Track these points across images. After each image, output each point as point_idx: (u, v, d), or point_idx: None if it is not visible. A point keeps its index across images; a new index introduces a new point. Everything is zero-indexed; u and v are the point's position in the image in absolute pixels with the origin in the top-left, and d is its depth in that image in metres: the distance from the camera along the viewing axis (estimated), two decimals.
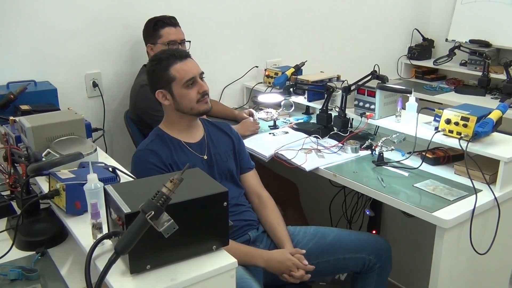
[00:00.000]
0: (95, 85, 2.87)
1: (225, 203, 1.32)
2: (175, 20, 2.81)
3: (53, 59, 2.72)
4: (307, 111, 3.17)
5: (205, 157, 2.12)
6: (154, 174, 1.95)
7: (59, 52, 2.73)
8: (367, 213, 2.81)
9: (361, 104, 2.64)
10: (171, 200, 1.16)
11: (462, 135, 2.16)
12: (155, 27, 2.76)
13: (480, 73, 3.90)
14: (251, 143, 2.63)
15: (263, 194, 2.24)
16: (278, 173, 2.98)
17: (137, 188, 1.41)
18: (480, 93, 3.81)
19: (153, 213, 1.13)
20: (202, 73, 2.09)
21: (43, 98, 2.44)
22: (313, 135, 2.63)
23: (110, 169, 1.79)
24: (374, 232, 2.88)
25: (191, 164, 2.03)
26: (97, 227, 1.38)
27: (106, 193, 1.33)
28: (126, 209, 1.20)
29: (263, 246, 2.13)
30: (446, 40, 4.35)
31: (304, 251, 2.04)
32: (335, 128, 2.68)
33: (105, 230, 1.40)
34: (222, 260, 1.33)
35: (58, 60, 2.73)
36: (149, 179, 1.50)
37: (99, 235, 1.36)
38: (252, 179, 2.27)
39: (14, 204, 1.92)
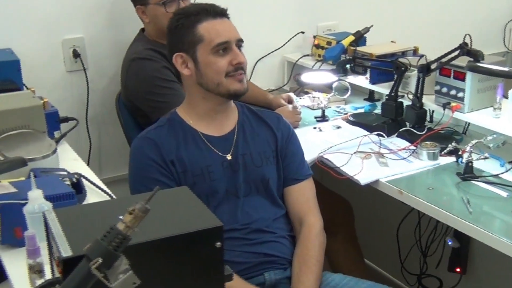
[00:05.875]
0: (76, 55, 2.85)
1: (219, 243, 1.21)
2: None
3: (17, 19, 2.70)
4: (370, 97, 3.12)
5: (229, 157, 2.08)
6: (153, 172, 1.98)
7: (25, 9, 2.70)
8: (449, 243, 2.74)
9: (444, 90, 2.57)
10: (132, 239, 1.04)
11: None
12: None
13: None
14: None
15: (307, 218, 2.14)
16: (326, 186, 2.90)
17: (95, 214, 1.31)
18: None
19: (100, 260, 1.01)
20: (241, 40, 2.07)
21: (1, 73, 2.39)
22: (375, 132, 2.56)
23: (74, 178, 1.70)
24: (458, 270, 2.80)
25: (206, 165, 2.05)
26: (35, 269, 1.32)
27: (45, 222, 1.23)
28: (65, 252, 1.09)
29: None
30: None
31: None
32: (407, 123, 2.63)
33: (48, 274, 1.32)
34: None
35: (24, 20, 2.72)
36: (116, 201, 1.40)
37: (39, 282, 1.28)
38: (298, 195, 2.18)
39: None
